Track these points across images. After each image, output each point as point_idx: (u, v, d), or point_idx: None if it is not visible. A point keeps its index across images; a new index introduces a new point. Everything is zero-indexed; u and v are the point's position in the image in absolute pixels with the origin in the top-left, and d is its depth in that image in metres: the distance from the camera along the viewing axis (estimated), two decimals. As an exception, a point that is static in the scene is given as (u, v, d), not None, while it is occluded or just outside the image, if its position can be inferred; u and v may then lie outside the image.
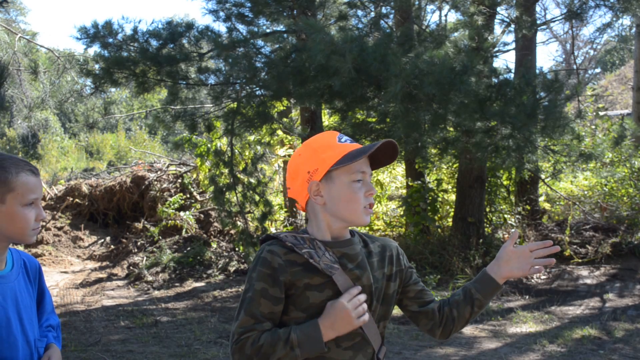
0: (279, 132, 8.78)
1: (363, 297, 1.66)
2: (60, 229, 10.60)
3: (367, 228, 9.11)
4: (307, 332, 1.62)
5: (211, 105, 8.07)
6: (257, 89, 7.39)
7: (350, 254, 1.73)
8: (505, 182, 8.91)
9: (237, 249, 8.75)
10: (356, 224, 1.74)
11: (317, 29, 5.68)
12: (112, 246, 10.20)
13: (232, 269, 8.36)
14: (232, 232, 9.25)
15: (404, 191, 9.23)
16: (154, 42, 7.29)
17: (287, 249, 1.69)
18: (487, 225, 8.42)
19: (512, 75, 7.68)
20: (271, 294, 1.65)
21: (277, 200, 10.61)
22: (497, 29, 8.86)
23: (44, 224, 2.02)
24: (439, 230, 8.39)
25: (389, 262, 1.80)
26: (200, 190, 10.78)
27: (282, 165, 10.61)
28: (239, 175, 7.93)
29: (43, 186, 1.95)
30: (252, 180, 7.92)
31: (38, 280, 1.92)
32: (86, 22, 13.25)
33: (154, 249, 9.11)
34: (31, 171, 1.78)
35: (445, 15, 10.58)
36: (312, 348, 1.61)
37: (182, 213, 9.73)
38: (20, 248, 8.47)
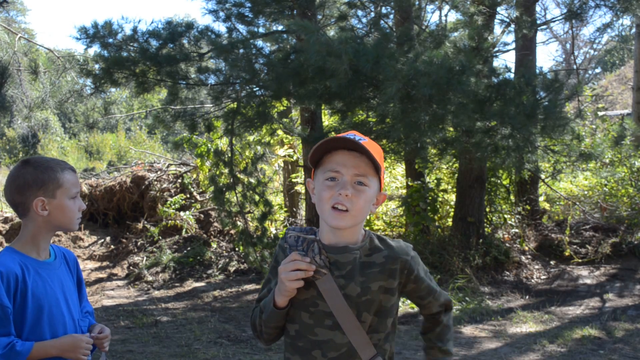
0: (279, 132, 8.77)
1: (300, 264, 1.65)
2: (60, 229, 10.58)
3: (367, 227, 9.10)
4: (268, 301, 1.74)
5: (211, 105, 8.07)
6: (257, 89, 7.38)
7: (341, 261, 1.70)
8: (505, 182, 8.90)
9: (237, 249, 8.75)
10: (328, 224, 1.70)
11: (311, 30, 5.67)
12: (112, 246, 10.20)
13: (232, 269, 8.36)
14: (232, 232, 9.25)
15: (404, 191, 9.23)
16: (153, 42, 7.28)
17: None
18: (487, 225, 8.42)
19: (511, 75, 7.68)
20: (273, 285, 1.78)
21: (277, 200, 10.61)
22: (497, 29, 8.86)
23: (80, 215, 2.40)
24: (439, 230, 8.39)
25: (390, 275, 1.73)
26: (200, 190, 10.78)
27: (282, 165, 10.61)
28: (239, 175, 7.92)
29: None
30: (252, 180, 7.92)
31: (76, 269, 2.22)
32: (86, 22, 13.25)
33: (154, 249, 9.11)
34: (71, 169, 2.11)
35: (445, 15, 10.57)
36: (267, 310, 1.73)
37: (182, 213, 9.73)
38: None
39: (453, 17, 9.98)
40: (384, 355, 1.74)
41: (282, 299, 1.69)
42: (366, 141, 1.69)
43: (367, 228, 7.09)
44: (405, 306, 6.61)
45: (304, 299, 1.70)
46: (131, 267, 8.79)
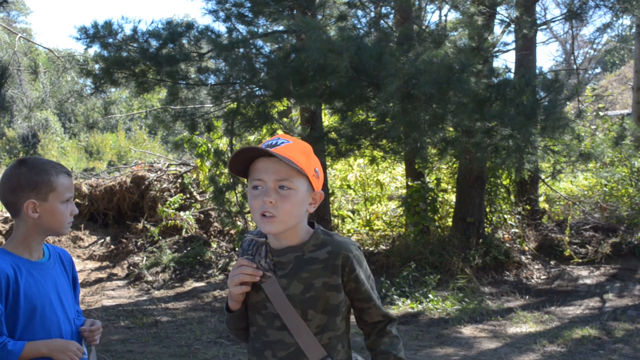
0: (279, 132, 8.77)
1: (246, 269, 1.71)
2: (60, 229, 10.57)
3: (367, 228, 9.11)
4: (225, 313, 1.84)
5: (211, 105, 8.07)
6: (257, 89, 7.38)
7: (283, 261, 1.74)
8: (505, 182, 8.90)
9: (237, 249, 8.75)
10: (262, 231, 1.76)
11: (313, 27, 5.68)
12: (112, 246, 10.19)
13: (231, 269, 8.35)
14: (232, 232, 9.25)
15: (404, 191, 9.23)
16: (153, 42, 7.28)
17: None
18: (487, 225, 8.42)
19: (511, 75, 7.67)
20: None
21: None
22: (497, 29, 8.86)
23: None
24: (439, 230, 8.38)
25: (334, 271, 1.71)
26: (200, 190, 10.78)
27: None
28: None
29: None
30: (252, 180, 7.90)
31: (71, 269, 2.23)
32: (86, 22, 13.24)
33: (154, 249, 9.11)
34: (66, 173, 2.09)
35: (445, 15, 10.57)
36: (226, 318, 1.83)
37: (182, 213, 9.73)
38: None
39: (453, 16, 9.97)
40: (336, 357, 1.74)
41: (232, 303, 1.78)
42: (289, 143, 1.69)
43: (366, 228, 7.00)
44: (405, 306, 6.62)
45: (255, 302, 1.76)
46: (131, 267, 8.79)
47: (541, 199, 9.47)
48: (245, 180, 1.81)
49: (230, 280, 1.72)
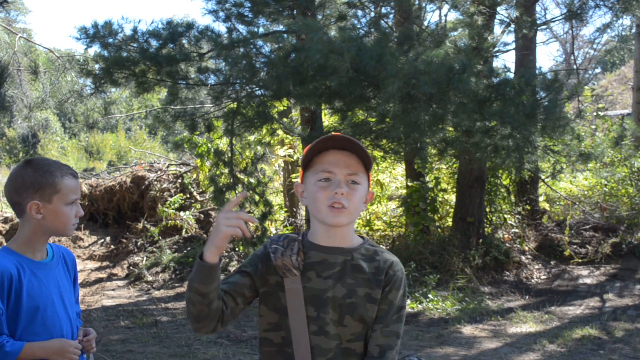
0: (279, 132, 8.77)
1: (244, 214, 1.57)
2: (60, 229, 10.57)
3: (367, 228, 9.11)
4: (195, 262, 1.62)
5: (211, 105, 8.07)
6: (257, 89, 7.38)
7: (330, 261, 1.71)
8: (505, 182, 8.90)
9: (237, 249, 8.75)
10: (327, 223, 1.70)
11: (314, 28, 5.68)
12: (112, 246, 10.20)
13: (232, 269, 8.36)
14: (232, 232, 9.23)
15: (404, 191, 9.23)
16: (153, 42, 7.28)
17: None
18: (487, 225, 8.42)
19: (511, 75, 7.67)
20: (247, 269, 1.74)
21: (277, 200, 10.61)
22: (497, 29, 8.85)
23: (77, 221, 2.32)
24: (439, 230, 8.39)
25: (377, 285, 1.70)
26: (200, 190, 10.78)
27: (282, 165, 10.61)
28: (239, 175, 7.92)
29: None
30: (252, 180, 7.92)
31: (74, 270, 2.22)
32: (86, 22, 13.24)
33: (154, 249, 9.11)
34: (72, 175, 2.07)
35: (445, 15, 10.56)
36: (195, 269, 1.59)
37: (182, 213, 9.73)
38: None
39: (453, 16, 9.98)
40: None
41: (212, 251, 1.57)
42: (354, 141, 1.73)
43: (366, 228, 7.01)
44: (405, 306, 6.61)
45: (287, 304, 1.70)
46: (131, 267, 8.79)
47: (541, 199, 9.47)
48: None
49: (226, 220, 1.55)
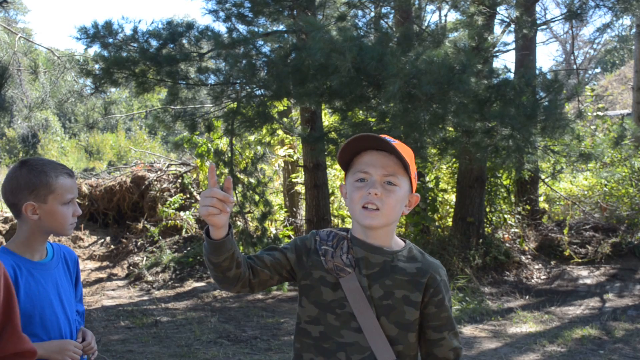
0: (279, 132, 8.78)
1: (218, 192, 1.51)
2: (60, 229, 10.57)
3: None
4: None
5: (211, 105, 8.07)
6: (257, 88, 7.38)
7: (372, 261, 1.69)
8: (505, 182, 8.90)
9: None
10: (361, 224, 1.69)
11: (317, 27, 5.69)
12: (112, 246, 10.20)
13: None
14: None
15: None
16: (154, 42, 7.28)
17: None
18: (487, 225, 8.42)
19: (511, 75, 7.68)
20: (284, 251, 1.75)
21: (277, 200, 10.61)
22: (497, 29, 8.86)
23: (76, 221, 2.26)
24: (439, 230, 8.39)
25: (417, 288, 1.68)
26: (200, 190, 10.78)
27: (282, 165, 10.62)
28: (239, 175, 7.92)
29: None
30: (252, 180, 7.92)
31: (75, 269, 2.21)
32: (86, 22, 13.24)
33: (154, 249, 9.11)
34: (68, 174, 2.06)
35: (445, 15, 10.57)
36: (205, 242, 1.61)
37: (182, 213, 9.73)
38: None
39: (453, 16, 9.98)
40: None
41: (213, 231, 1.58)
42: (396, 142, 1.68)
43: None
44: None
45: (330, 300, 1.68)
46: (131, 267, 8.79)
47: (541, 199, 9.47)
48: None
49: (203, 200, 1.53)
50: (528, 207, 8.80)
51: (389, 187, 1.66)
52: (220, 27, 22.22)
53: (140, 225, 10.11)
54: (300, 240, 1.78)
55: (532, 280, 7.50)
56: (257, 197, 7.75)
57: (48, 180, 2.00)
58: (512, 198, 9.01)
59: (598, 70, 30.29)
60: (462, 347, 1.75)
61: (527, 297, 6.96)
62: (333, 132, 7.44)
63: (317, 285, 1.70)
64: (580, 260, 7.84)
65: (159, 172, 11.21)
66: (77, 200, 12.15)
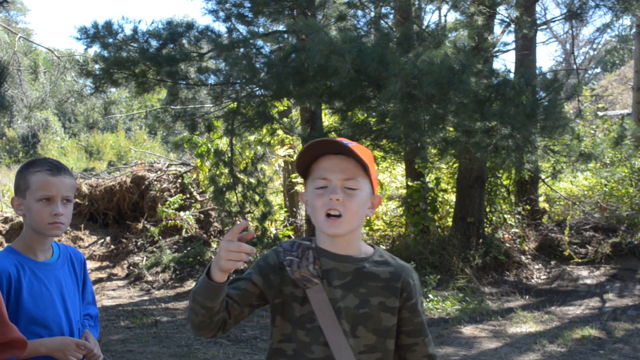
0: (279, 132, 8.78)
1: (246, 247, 1.49)
2: (60, 229, 10.57)
3: (367, 228, 9.11)
4: (201, 277, 1.56)
5: (211, 105, 8.07)
6: (257, 89, 7.39)
7: (342, 271, 1.64)
8: (505, 182, 8.91)
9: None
10: (326, 234, 1.63)
11: (316, 29, 5.68)
12: (112, 246, 10.20)
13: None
14: (232, 232, 9.23)
15: (404, 191, 9.23)
16: (153, 43, 7.29)
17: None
18: (487, 225, 8.42)
19: (511, 75, 7.68)
20: (248, 277, 1.66)
21: (277, 200, 10.61)
22: (497, 29, 8.86)
23: (59, 221, 2.07)
24: (439, 230, 8.39)
25: (393, 293, 1.64)
26: (200, 190, 10.78)
27: (282, 165, 10.62)
28: (239, 175, 7.93)
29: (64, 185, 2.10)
30: (252, 180, 7.92)
31: (83, 271, 2.18)
32: (86, 22, 13.23)
33: (154, 249, 9.11)
34: (49, 170, 1.99)
35: (445, 15, 10.58)
36: (201, 284, 1.54)
37: (182, 213, 9.73)
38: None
39: (453, 16, 9.98)
40: None
41: (218, 272, 1.52)
42: (353, 144, 1.63)
43: (366, 228, 7.01)
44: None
45: (300, 315, 1.63)
46: (131, 267, 8.79)
47: (541, 199, 9.47)
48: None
49: (227, 253, 1.49)
50: (528, 207, 8.80)
51: (350, 192, 1.61)
52: (220, 27, 22.22)
53: (140, 225, 10.11)
54: (263, 259, 1.70)
55: (532, 280, 7.50)
56: (257, 197, 7.75)
57: (26, 175, 1.99)
58: (512, 198, 9.01)
59: (598, 70, 30.29)
60: (436, 356, 1.71)
61: (527, 297, 6.96)
62: (333, 132, 7.45)
63: (289, 302, 1.64)
64: (580, 260, 7.84)
65: (159, 172, 11.21)
66: (77, 200, 12.12)
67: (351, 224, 1.63)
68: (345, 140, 1.64)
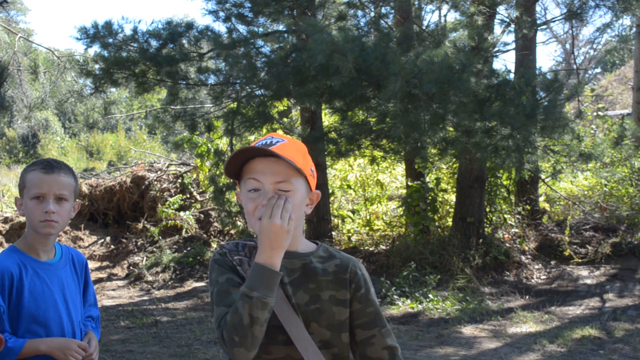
0: (280, 132, 8.78)
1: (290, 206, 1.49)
2: (60, 229, 10.57)
3: (367, 228, 9.11)
4: (253, 274, 1.50)
5: (211, 105, 8.07)
6: (257, 89, 7.39)
7: (290, 267, 1.61)
8: (505, 182, 8.90)
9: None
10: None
11: (318, 29, 5.69)
12: (112, 246, 10.20)
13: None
14: (232, 232, 9.25)
15: (404, 191, 9.23)
16: (153, 42, 7.29)
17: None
18: (487, 225, 8.42)
19: (511, 75, 7.68)
20: (237, 280, 1.60)
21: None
22: (497, 29, 8.86)
23: (51, 219, 2.04)
24: (439, 230, 8.38)
25: (342, 286, 1.62)
26: (200, 190, 10.78)
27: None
28: (239, 175, 7.91)
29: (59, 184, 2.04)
30: (252, 180, 7.90)
31: (84, 273, 2.19)
32: (86, 22, 13.24)
33: (154, 249, 9.11)
34: (43, 169, 2.00)
35: (445, 15, 10.57)
36: (264, 279, 1.48)
37: (182, 213, 9.73)
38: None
39: (453, 16, 9.98)
40: None
41: (275, 252, 1.49)
42: (284, 142, 1.59)
43: (366, 228, 7.00)
44: (405, 306, 6.61)
45: None
46: (131, 267, 8.79)
47: (541, 199, 9.47)
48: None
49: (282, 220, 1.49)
50: (528, 207, 8.79)
51: (284, 194, 1.56)
52: (220, 27, 22.22)
53: (140, 225, 10.11)
54: (221, 259, 1.63)
55: (532, 280, 7.50)
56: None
57: (24, 175, 2.03)
58: (512, 198, 9.00)
59: (598, 70, 30.29)
60: (398, 347, 1.68)
61: (527, 297, 6.96)
62: (333, 132, 7.45)
63: None
64: (580, 260, 7.84)
65: (159, 172, 11.21)
66: (77, 200, 12.15)
67: (294, 222, 1.57)
68: (276, 137, 1.61)
